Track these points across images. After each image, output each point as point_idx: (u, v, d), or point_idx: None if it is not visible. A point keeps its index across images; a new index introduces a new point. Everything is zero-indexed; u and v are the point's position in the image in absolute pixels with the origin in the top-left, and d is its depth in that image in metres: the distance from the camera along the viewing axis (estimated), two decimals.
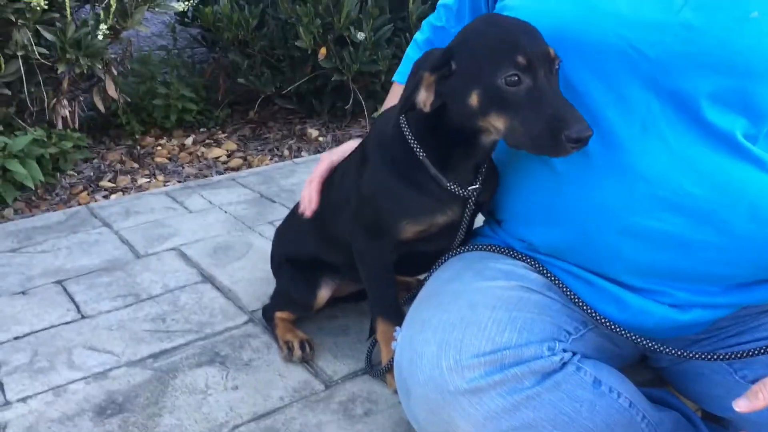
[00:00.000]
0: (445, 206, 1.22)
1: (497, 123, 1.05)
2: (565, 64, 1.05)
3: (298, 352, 1.49)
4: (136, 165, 3.01)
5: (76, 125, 2.83)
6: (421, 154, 1.18)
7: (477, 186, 1.21)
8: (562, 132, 0.96)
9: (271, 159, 3.09)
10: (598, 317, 1.10)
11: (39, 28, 2.39)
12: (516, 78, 1.01)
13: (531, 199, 1.16)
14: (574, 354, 1.06)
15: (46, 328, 1.67)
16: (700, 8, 0.96)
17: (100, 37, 2.50)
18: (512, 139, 1.05)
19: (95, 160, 3.01)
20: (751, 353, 1.03)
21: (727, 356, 1.05)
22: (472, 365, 1.01)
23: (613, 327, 1.10)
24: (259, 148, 3.25)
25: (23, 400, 1.41)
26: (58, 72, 2.53)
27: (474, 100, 1.06)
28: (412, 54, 1.44)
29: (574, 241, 1.10)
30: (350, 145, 1.43)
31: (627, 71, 1.01)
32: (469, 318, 1.05)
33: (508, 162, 1.23)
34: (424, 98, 1.11)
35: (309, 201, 1.41)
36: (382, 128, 1.29)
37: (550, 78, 1.02)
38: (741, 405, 0.81)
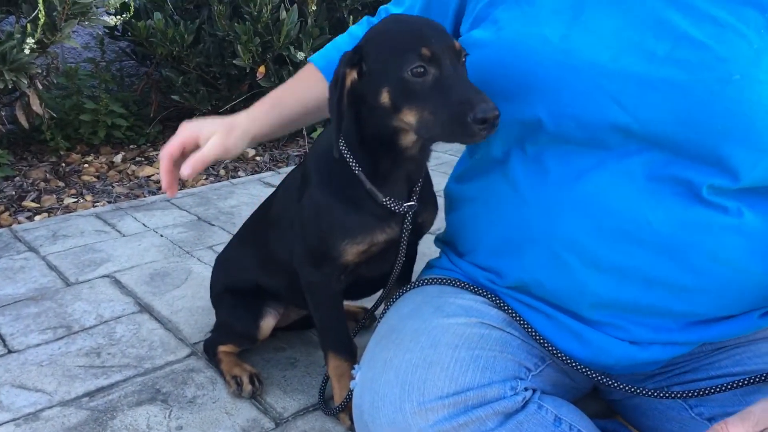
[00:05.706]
0: (384, 223, 1.21)
1: (409, 117, 1.06)
2: (539, 106, 1.05)
3: (248, 387, 1.43)
4: (61, 184, 2.87)
5: None
6: (356, 168, 1.17)
7: (413, 203, 1.21)
8: (468, 115, 0.98)
9: (206, 178, 3.00)
10: (558, 353, 1.11)
11: None
12: (422, 69, 1.02)
13: (499, 231, 1.15)
14: (535, 391, 1.07)
15: None
16: (683, 65, 0.95)
17: (26, 51, 2.37)
18: (425, 131, 1.05)
19: (17, 178, 2.85)
20: (705, 392, 1.05)
21: (682, 394, 1.07)
22: (436, 408, 0.99)
23: (572, 363, 1.10)
24: None
25: None
26: None
27: (385, 97, 1.07)
28: (340, 41, 1.39)
29: (541, 271, 1.10)
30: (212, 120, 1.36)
31: (605, 119, 1.00)
32: (432, 358, 1.04)
33: (476, 194, 1.22)
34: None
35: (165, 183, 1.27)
36: (321, 144, 1.28)
37: (456, 67, 1.04)
38: None
